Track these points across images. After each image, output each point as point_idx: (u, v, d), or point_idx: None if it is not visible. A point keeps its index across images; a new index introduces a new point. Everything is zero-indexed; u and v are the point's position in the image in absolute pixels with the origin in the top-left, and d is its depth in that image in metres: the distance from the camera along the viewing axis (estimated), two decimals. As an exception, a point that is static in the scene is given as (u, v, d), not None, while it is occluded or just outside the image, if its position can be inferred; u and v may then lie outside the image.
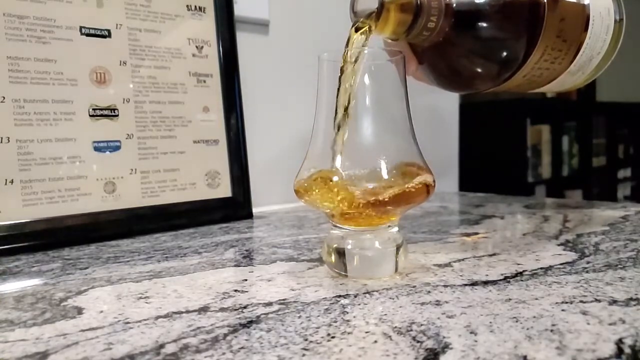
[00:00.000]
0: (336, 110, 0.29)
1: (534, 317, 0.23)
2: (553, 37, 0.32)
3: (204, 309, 0.25)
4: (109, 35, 0.47)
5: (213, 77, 0.54)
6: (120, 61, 0.48)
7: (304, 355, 0.19)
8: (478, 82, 0.36)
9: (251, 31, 0.64)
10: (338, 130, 0.29)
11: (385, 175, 0.29)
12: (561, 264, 0.32)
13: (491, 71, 0.34)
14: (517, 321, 0.22)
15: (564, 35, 0.33)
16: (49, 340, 0.22)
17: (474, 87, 0.37)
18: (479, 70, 0.35)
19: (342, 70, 0.30)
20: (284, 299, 0.26)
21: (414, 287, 0.28)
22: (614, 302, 0.24)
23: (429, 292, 0.27)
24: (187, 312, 0.25)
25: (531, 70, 0.34)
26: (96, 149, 0.46)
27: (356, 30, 0.31)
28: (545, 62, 0.33)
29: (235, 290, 0.28)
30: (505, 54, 0.33)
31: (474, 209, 0.59)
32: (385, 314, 0.24)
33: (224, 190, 0.54)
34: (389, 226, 0.31)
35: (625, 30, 0.37)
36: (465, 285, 0.28)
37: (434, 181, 0.30)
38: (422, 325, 0.22)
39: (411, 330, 0.22)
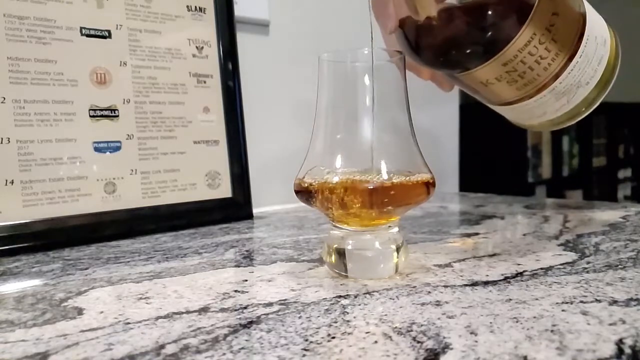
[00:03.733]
0: None
1: (534, 317, 0.23)
2: (543, 28, 0.31)
3: (204, 310, 0.25)
4: (109, 36, 0.47)
5: (213, 78, 0.54)
6: (121, 62, 0.48)
7: (304, 355, 0.19)
8: (455, 54, 0.34)
9: (251, 31, 0.64)
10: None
11: (385, 175, 0.29)
12: (561, 264, 0.32)
13: (472, 43, 0.33)
14: (517, 321, 0.22)
15: (555, 33, 0.32)
16: (49, 341, 0.22)
17: (449, 63, 0.35)
18: (459, 39, 0.33)
19: None
20: (284, 300, 0.26)
21: (414, 287, 0.28)
22: (614, 302, 0.24)
23: (429, 292, 0.27)
24: (188, 312, 0.25)
25: (514, 58, 0.32)
26: (96, 149, 0.46)
27: None
28: (530, 57, 0.32)
29: (236, 291, 0.28)
30: (491, 23, 0.32)
31: (474, 209, 0.59)
32: (386, 315, 0.24)
33: (224, 190, 0.54)
34: (389, 226, 0.31)
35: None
36: (466, 285, 0.28)
37: (434, 181, 0.30)
38: (422, 325, 0.22)
39: (411, 330, 0.22)
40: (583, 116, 0.38)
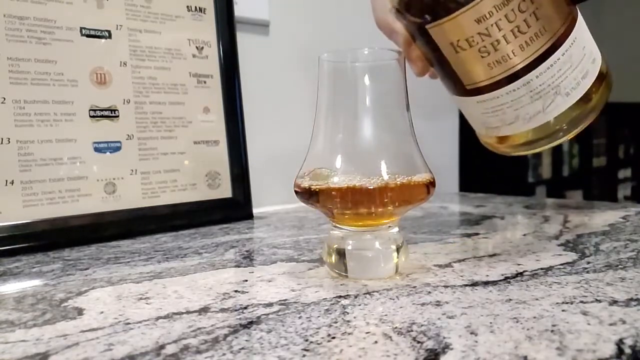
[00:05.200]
0: None
1: (535, 317, 0.23)
2: None
3: (204, 310, 0.25)
4: (109, 36, 0.47)
5: (213, 78, 0.54)
6: (121, 62, 0.48)
7: (304, 355, 0.19)
8: None
9: (251, 32, 0.64)
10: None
11: (385, 176, 0.29)
12: (561, 264, 0.32)
13: None
14: (517, 321, 0.22)
15: (538, 7, 0.30)
16: (50, 341, 0.22)
17: (423, 6, 0.31)
18: None
19: None
20: (284, 300, 0.26)
21: (415, 287, 0.28)
22: (614, 302, 0.24)
23: (430, 292, 0.27)
24: (188, 312, 0.25)
25: (489, 16, 0.29)
26: (96, 149, 0.46)
27: None
28: (508, 24, 0.30)
29: (236, 291, 0.28)
30: None
31: (474, 209, 0.59)
32: (386, 315, 0.24)
33: (224, 190, 0.54)
34: (389, 227, 0.31)
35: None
36: (466, 285, 0.28)
37: (434, 181, 0.30)
38: (422, 325, 0.22)
39: (411, 330, 0.22)
40: (560, 141, 0.34)
